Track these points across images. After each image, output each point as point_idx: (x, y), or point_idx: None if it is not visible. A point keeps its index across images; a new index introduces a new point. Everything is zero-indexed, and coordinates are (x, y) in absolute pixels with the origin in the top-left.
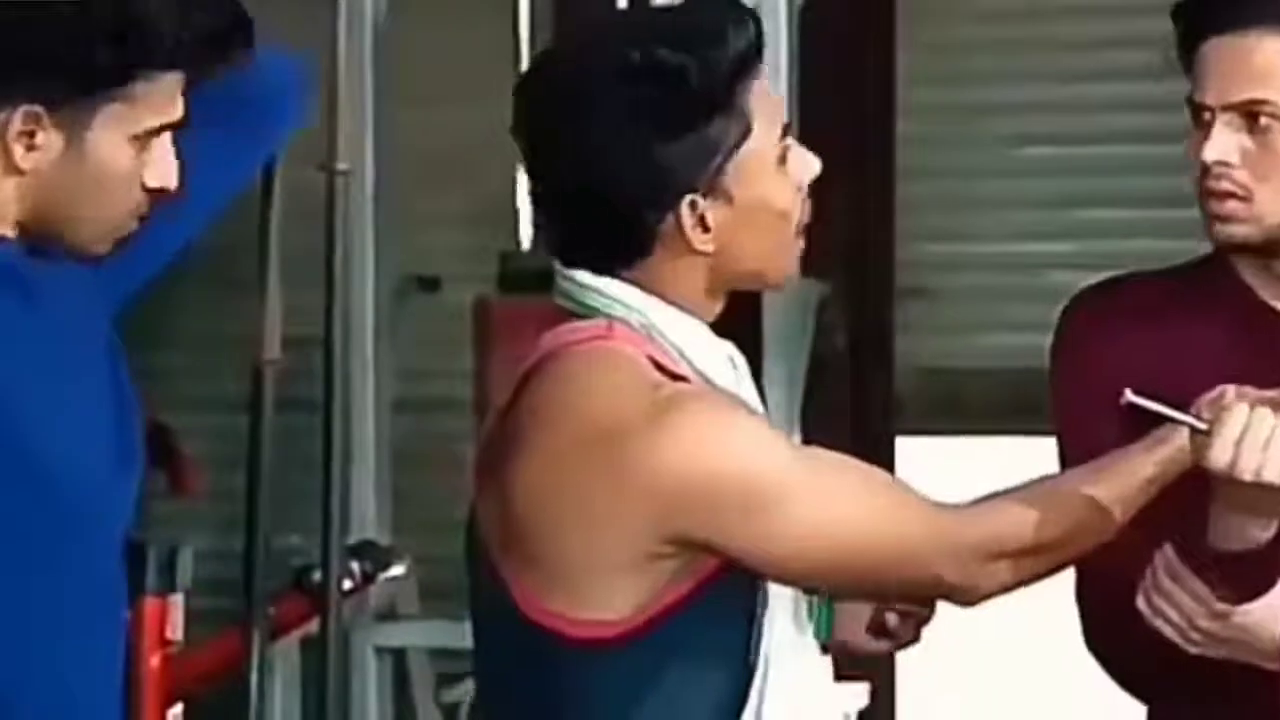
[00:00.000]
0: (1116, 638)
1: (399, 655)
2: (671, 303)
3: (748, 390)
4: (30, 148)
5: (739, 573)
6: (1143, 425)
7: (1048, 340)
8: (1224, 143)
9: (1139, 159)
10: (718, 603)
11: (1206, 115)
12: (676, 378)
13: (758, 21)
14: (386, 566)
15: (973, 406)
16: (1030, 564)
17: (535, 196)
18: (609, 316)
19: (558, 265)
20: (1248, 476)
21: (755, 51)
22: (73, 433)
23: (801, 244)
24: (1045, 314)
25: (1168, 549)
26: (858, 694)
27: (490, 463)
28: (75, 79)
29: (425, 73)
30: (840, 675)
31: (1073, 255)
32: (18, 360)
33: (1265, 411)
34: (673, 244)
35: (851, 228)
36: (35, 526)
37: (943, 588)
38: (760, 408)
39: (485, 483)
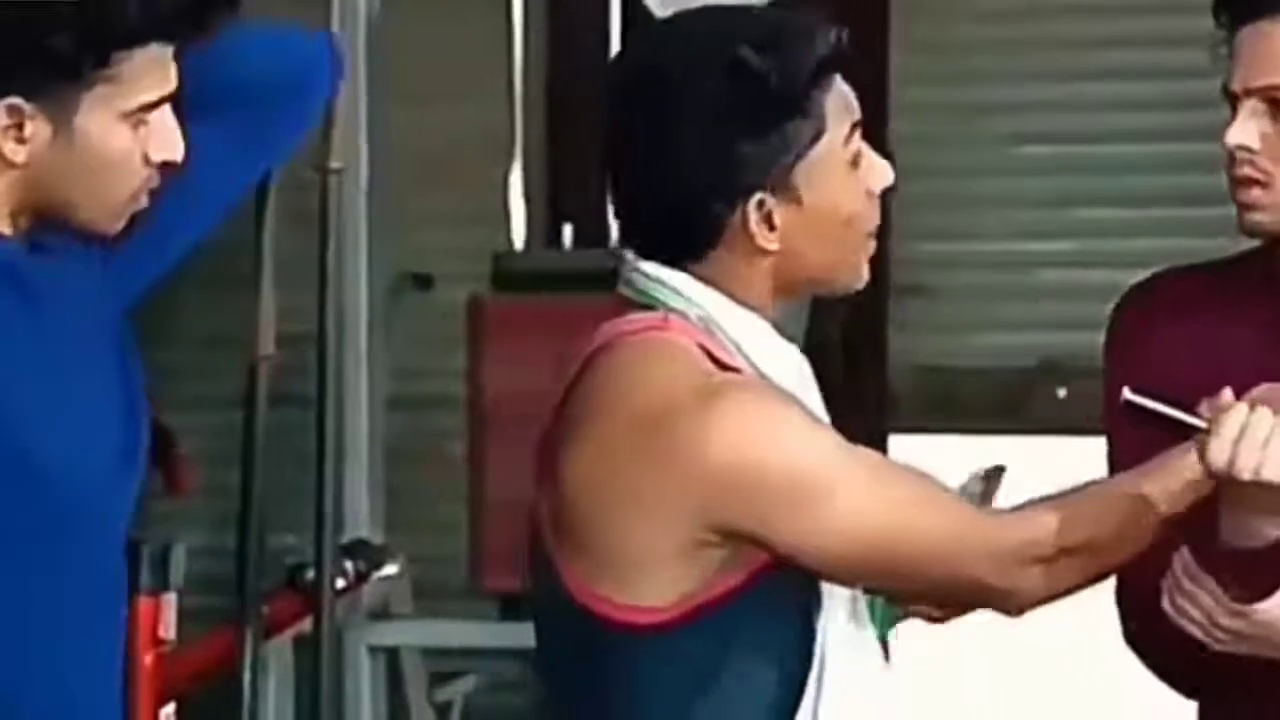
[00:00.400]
0: (1151, 635)
1: (392, 654)
2: (737, 300)
3: (811, 394)
4: (20, 140)
5: (793, 567)
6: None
7: (1043, 339)
8: (1245, 128)
9: (1137, 158)
10: (771, 596)
11: (1236, 103)
12: (729, 370)
13: (841, 29)
14: (380, 565)
15: (967, 405)
16: (1072, 566)
17: (611, 185)
18: (668, 308)
19: (627, 256)
20: (1246, 475)
21: (836, 57)
22: (73, 431)
23: (872, 247)
24: (1041, 313)
25: (1184, 550)
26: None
27: (546, 452)
28: (48, 68)
29: (419, 71)
30: None
31: (1070, 254)
32: (16, 358)
33: (1265, 411)
34: (738, 241)
35: None
36: (34, 525)
37: (985, 592)
38: (824, 413)
39: (541, 473)
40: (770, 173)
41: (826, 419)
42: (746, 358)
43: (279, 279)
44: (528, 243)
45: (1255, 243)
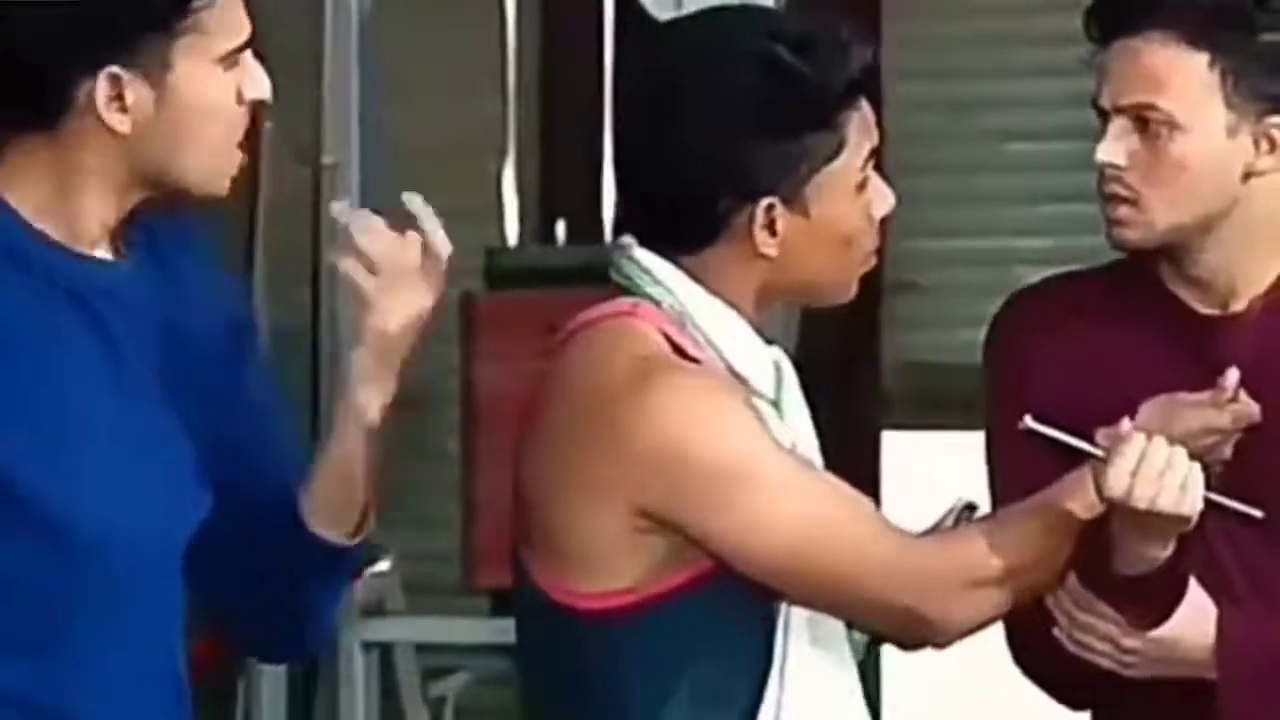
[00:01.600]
0: (1041, 653)
1: (385, 650)
2: (718, 295)
3: (791, 394)
4: (123, 109)
5: (729, 571)
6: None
7: None
8: (1114, 145)
9: None
10: (724, 603)
11: (1106, 119)
12: (692, 360)
13: (877, 52)
14: (372, 562)
15: (960, 402)
16: (1005, 590)
17: (623, 165)
18: (644, 295)
19: (624, 241)
20: (1143, 505)
21: (869, 76)
22: (100, 455)
23: (868, 265)
24: None
25: (1071, 583)
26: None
27: (518, 447)
28: (138, 27)
29: (412, 67)
30: None
31: (1062, 250)
32: (74, 376)
33: (1160, 440)
34: (737, 240)
35: None
36: (37, 559)
37: (914, 620)
38: (806, 415)
39: (515, 470)
40: (785, 179)
41: (808, 418)
42: (717, 351)
43: (272, 275)
44: (521, 239)
45: None
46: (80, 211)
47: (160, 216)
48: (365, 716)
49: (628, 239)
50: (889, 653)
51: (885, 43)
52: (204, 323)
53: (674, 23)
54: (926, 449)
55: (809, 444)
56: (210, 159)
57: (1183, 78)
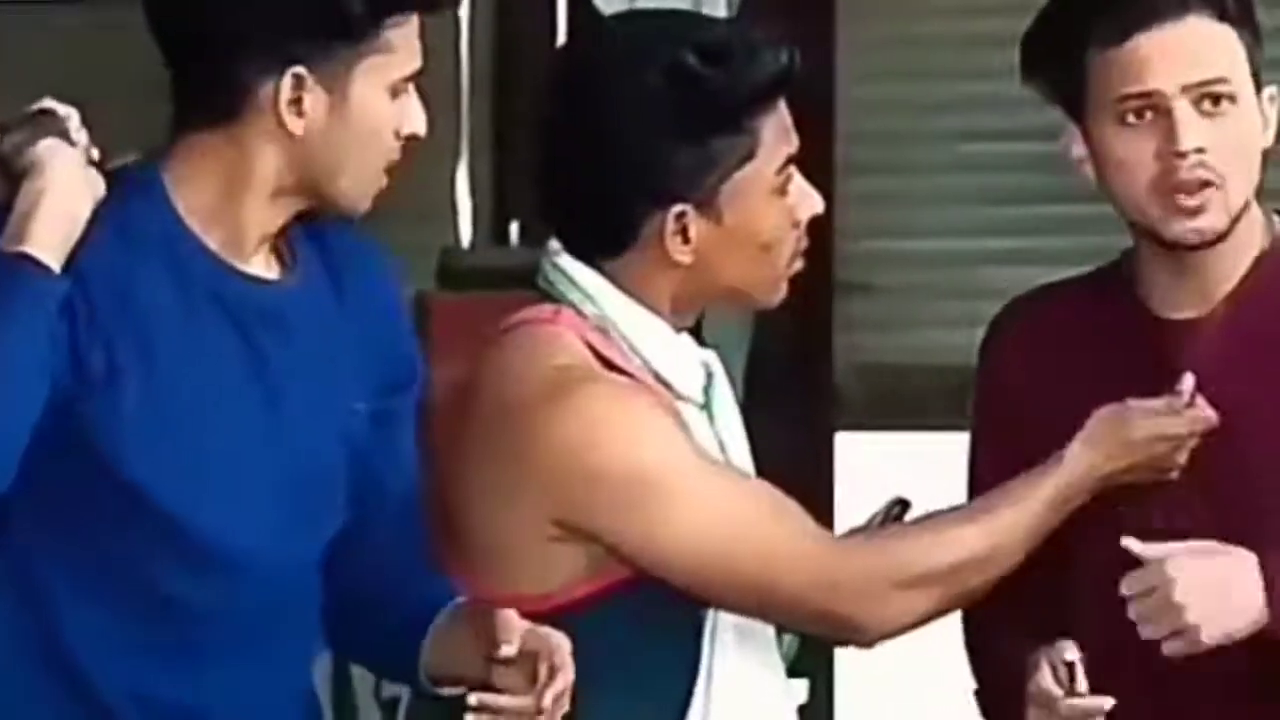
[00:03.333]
0: (979, 650)
1: None
2: (639, 301)
3: (721, 397)
4: (299, 113)
5: (651, 583)
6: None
7: None
8: (1195, 129)
9: None
10: (645, 608)
11: (1145, 109)
12: (615, 369)
13: (793, 55)
14: None
15: (914, 402)
16: (929, 592)
17: (541, 174)
18: (566, 302)
19: (550, 247)
20: None
21: (782, 79)
22: (235, 462)
23: (796, 268)
24: (988, 310)
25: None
26: (795, 690)
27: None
28: (334, 33)
29: None
30: None
31: (1016, 251)
32: (219, 388)
33: None
34: (651, 246)
35: None
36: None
37: (839, 621)
38: (736, 416)
39: (437, 473)
40: (695, 185)
41: (738, 420)
42: (642, 358)
43: None
44: (474, 240)
45: (1124, 244)
46: (242, 216)
47: (337, 231)
48: None
49: (555, 244)
50: (842, 653)
51: (843, 43)
52: (371, 352)
53: (596, 27)
54: (881, 450)
55: (739, 446)
56: (360, 179)
57: (1233, 51)
